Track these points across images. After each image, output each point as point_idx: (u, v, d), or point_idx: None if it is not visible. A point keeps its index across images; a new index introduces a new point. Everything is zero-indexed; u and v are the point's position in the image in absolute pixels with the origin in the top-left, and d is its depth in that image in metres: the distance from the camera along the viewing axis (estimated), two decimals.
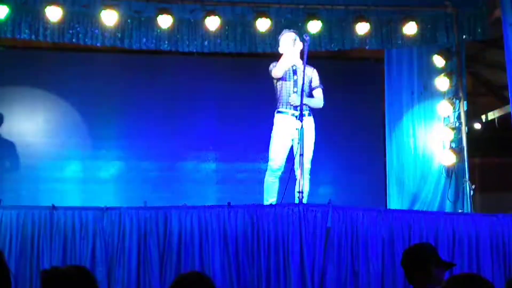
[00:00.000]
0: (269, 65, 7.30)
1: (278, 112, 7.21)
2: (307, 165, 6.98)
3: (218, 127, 9.76)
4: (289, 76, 7.20)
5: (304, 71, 6.83)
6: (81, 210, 6.16)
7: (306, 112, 7.08)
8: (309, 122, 7.12)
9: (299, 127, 6.71)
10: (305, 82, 6.99)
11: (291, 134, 7.10)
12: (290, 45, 7.21)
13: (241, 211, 6.24)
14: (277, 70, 7.13)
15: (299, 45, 7.25)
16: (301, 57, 7.12)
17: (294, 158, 7.08)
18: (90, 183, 9.60)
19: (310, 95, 7.28)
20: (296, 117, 6.97)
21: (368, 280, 6.21)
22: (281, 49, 7.33)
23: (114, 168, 9.75)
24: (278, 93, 7.24)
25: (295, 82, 7.19)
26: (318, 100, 7.29)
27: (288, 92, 7.17)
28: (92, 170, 9.71)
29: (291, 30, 7.46)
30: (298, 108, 6.98)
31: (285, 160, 7.17)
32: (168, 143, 9.74)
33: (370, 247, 6.26)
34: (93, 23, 8.53)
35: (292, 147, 7.19)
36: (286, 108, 7.17)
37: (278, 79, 7.22)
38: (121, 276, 6.04)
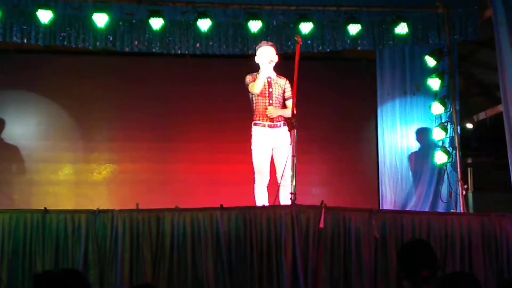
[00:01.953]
0: (245, 77, 7.33)
1: (255, 124, 7.27)
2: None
3: (211, 128, 9.77)
4: (265, 88, 7.25)
5: (296, 71, 6.81)
6: (73, 213, 6.14)
7: (281, 122, 7.24)
8: (284, 131, 7.24)
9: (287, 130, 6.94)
10: (280, 92, 7.27)
11: (269, 144, 7.19)
12: (268, 60, 7.22)
13: (234, 212, 6.23)
14: (256, 88, 7.18)
15: (276, 58, 7.29)
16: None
17: (277, 165, 7.25)
18: (83, 185, 9.59)
19: (283, 106, 7.32)
20: (272, 127, 7.20)
21: (361, 281, 6.20)
22: (258, 60, 7.34)
23: (106, 170, 9.75)
24: (254, 105, 7.31)
25: (271, 94, 7.25)
26: (290, 111, 7.29)
27: (264, 104, 7.25)
28: (85, 172, 9.71)
29: (270, 43, 7.47)
30: (274, 119, 7.19)
31: (269, 169, 7.25)
32: (160, 145, 9.73)
33: (363, 248, 6.25)
34: (84, 26, 8.55)
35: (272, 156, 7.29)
36: (262, 120, 7.24)
37: None
38: (113, 279, 6.02)
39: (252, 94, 7.28)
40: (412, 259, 4.22)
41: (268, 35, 8.78)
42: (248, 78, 7.32)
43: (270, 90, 7.29)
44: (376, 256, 6.26)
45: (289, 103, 7.32)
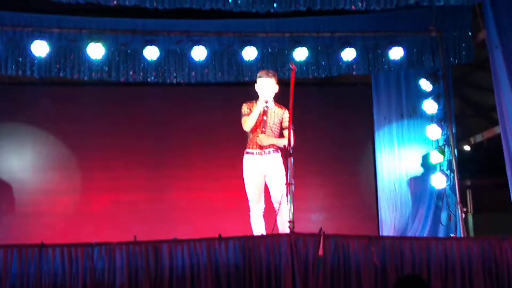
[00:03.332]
0: (242, 105, 7.30)
1: (246, 152, 7.23)
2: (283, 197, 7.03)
3: (207, 156, 9.75)
4: (259, 117, 7.18)
5: (292, 98, 6.79)
6: (70, 247, 6.09)
7: (271, 149, 7.17)
8: (276, 158, 7.18)
9: (274, 160, 7.04)
10: (276, 122, 7.21)
11: (260, 172, 7.15)
12: (265, 97, 7.18)
13: (232, 242, 6.18)
14: (247, 126, 7.16)
15: (276, 89, 7.25)
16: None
17: (271, 191, 7.19)
18: (80, 217, 9.54)
19: (280, 135, 7.26)
20: (261, 154, 7.14)
21: None
22: (257, 88, 7.28)
23: (104, 201, 9.71)
24: (248, 132, 7.25)
25: (265, 123, 7.20)
26: (288, 141, 7.23)
27: (257, 133, 7.18)
28: (82, 204, 9.67)
29: (271, 73, 7.29)
30: (264, 147, 7.13)
31: (262, 197, 7.21)
32: (157, 174, 9.71)
33: (363, 275, 6.20)
34: (79, 57, 8.58)
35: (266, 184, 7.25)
36: (252, 148, 7.20)
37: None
38: None
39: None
40: None
41: (263, 62, 8.80)
42: (244, 109, 7.24)
43: (265, 118, 7.21)
44: (376, 283, 6.21)
45: (286, 133, 7.27)
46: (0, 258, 5.94)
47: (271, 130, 7.22)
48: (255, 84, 7.30)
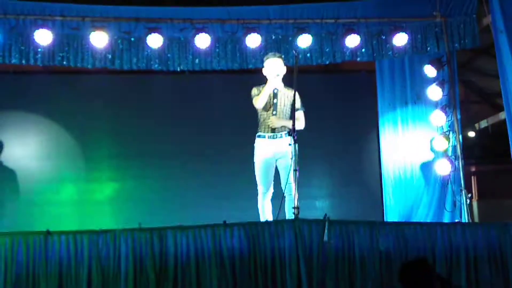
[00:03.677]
0: (252, 88, 7.30)
1: (258, 136, 7.24)
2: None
3: (212, 144, 9.75)
4: (269, 99, 7.20)
5: (295, 85, 6.82)
6: (75, 234, 6.11)
7: (283, 133, 7.16)
8: (287, 142, 7.05)
9: (289, 143, 6.76)
10: (286, 103, 7.19)
11: (271, 156, 7.15)
12: (275, 72, 7.18)
13: (237, 229, 6.20)
14: (258, 103, 7.16)
15: (284, 70, 7.26)
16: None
17: (281, 175, 7.19)
18: (85, 205, 9.56)
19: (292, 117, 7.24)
20: (273, 138, 7.16)
21: None
22: (265, 72, 7.30)
23: (108, 189, 9.72)
24: (259, 116, 7.27)
25: (275, 105, 7.20)
26: (299, 122, 7.24)
27: (267, 116, 7.19)
28: (87, 192, 9.68)
29: (278, 54, 7.41)
30: (276, 130, 7.14)
31: (272, 181, 7.22)
32: (161, 162, 9.70)
33: (367, 261, 6.22)
34: (83, 46, 8.57)
35: (276, 167, 7.23)
36: (264, 131, 7.20)
37: None
38: None
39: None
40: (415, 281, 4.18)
41: (267, 49, 8.77)
42: (254, 91, 7.29)
43: (275, 101, 7.23)
44: (380, 268, 6.22)
45: (298, 115, 7.24)
46: (6, 246, 5.98)
47: (282, 112, 7.22)
48: (263, 69, 7.33)
